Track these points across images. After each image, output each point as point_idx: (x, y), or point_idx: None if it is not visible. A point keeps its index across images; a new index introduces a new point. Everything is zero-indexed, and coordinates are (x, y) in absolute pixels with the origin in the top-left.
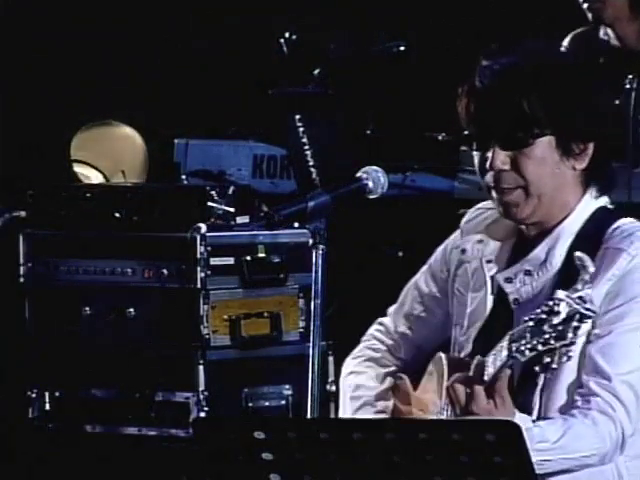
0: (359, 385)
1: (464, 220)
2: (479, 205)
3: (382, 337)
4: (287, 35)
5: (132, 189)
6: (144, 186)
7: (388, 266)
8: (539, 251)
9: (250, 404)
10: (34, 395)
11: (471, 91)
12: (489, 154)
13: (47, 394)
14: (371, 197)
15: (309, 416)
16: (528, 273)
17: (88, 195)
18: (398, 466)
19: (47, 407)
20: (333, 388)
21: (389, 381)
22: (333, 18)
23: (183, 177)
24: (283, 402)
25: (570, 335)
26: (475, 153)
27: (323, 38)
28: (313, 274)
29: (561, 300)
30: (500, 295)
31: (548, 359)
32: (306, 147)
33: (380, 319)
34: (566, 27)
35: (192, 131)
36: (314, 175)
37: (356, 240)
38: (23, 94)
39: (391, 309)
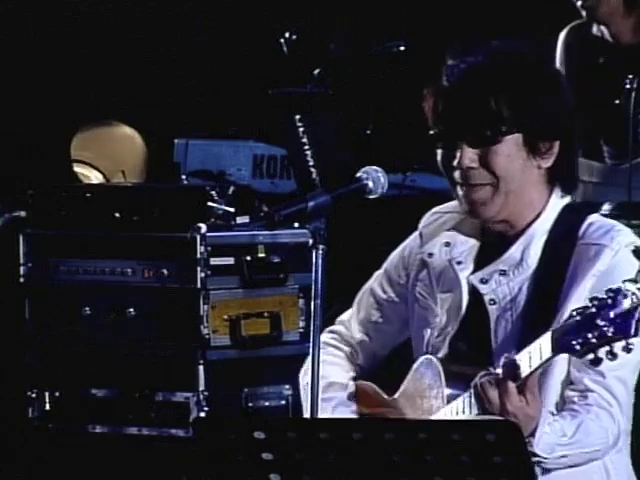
0: (328, 386)
1: (422, 224)
2: (435, 209)
3: (338, 344)
4: (287, 35)
5: (132, 189)
6: (144, 186)
7: None
8: (514, 251)
9: (250, 404)
10: (34, 395)
11: (439, 90)
12: (457, 152)
13: (47, 394)
14: (371, 197)
15: (309, 416)
16: (503, 273)
17: (88, 195)
18: (398, 466)
19: (47, 407)
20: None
21: (352, 385)
22: (333, 18)
23: (183, 177)
24: (283, 402)
25: (633, 327)
26: (439, 151)
27: (323, 38)
28: (313, 274)
29: (621, 292)
30: (474, 296)
31: (603, 353)
32: (306, 147)
33: (331, 327)
34: (566, 23)
35: (192, 131)
36: (314, 175)
37: (356, 240)
38: (23, 94)
39: (344, 317)
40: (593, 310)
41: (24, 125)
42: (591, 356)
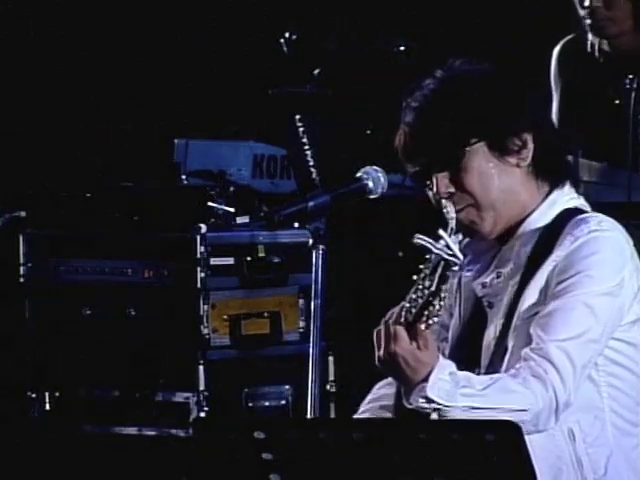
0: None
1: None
2: None
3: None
4: (287, 35)
5: (132, 189)
6: (144, 186)
7: (388, 266)
8: (505, 251)
9: (250, 404)
10: (34, 395)
11: (402, 130)
12: (432, 185)
13: (47, 394)
14: (371, 197)
15: (309, 416)
16: (499, 276)
17: (88, 195)
18: (398, 466)
19: (47, 407)
20: (333, 388)
21: None
22: (333, 18)
23: (183, 177)
24: (283, 402)
25: (435, 284)
26: (427, 190)
27: (323, 38)
28: (313, 274)
29: (428, 248)
30: (477, 302)
31: (426, 313)
32: (306, 147)
33: None
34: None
35: (192, 131)
36: (314, 175)
37: (356, 240)
38: (23, 94)
39: None
40: (426, 272)
41: (24, 125)
42: (425, 320)
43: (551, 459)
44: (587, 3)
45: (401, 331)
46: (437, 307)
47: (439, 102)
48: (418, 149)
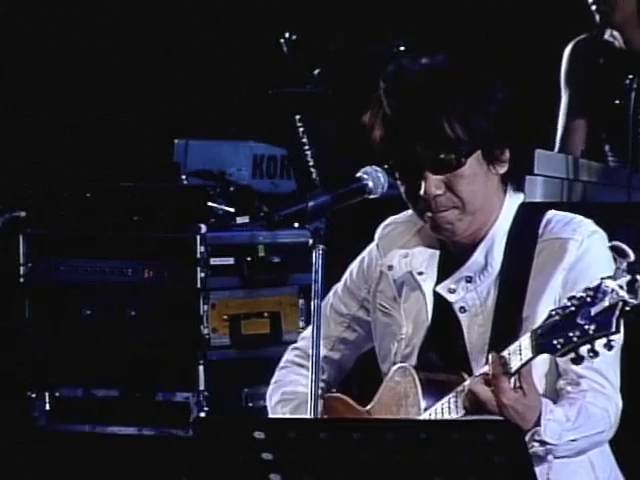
0: (296, 407)
1: (379, 236)
2: (390, 220)
3: (302, 362)
4: (287, 35)
5: (132, 189)
6: (144, 186)
7: None
8: (477, 256)
9: (250, 404)
10: (34, 395)
11: (385, 120)
12: (421, 182)
13: (47, 394)
14: (371, 197)
15: (309, 416)
16: (469, 280)
17: (88, 195)
18: (398, 466)
19: (47, 407)
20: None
21: (319, 404)
22: (333, 18)
23: (183, 177)
24: None
25: (614, 324)
26: (400, 183)
27: (323, 38)
28: (313, 274)
29: (601, 289)
30: (440, 304)
31: (585, 351)
32: (306, 147)
33: (294, 345)
34: (573, 27)
35: (192, 131)
36: (314, 175)
37: (356, 240)
38: (23, 94)
39: (306, 333)
40: (572, 309)
41: (24, 125)
42: (572, 355)
43: (571, 462)
44: None
45: (504, 382)
46: (606, 345)
47: (440, 100)
48: (414, 146)
